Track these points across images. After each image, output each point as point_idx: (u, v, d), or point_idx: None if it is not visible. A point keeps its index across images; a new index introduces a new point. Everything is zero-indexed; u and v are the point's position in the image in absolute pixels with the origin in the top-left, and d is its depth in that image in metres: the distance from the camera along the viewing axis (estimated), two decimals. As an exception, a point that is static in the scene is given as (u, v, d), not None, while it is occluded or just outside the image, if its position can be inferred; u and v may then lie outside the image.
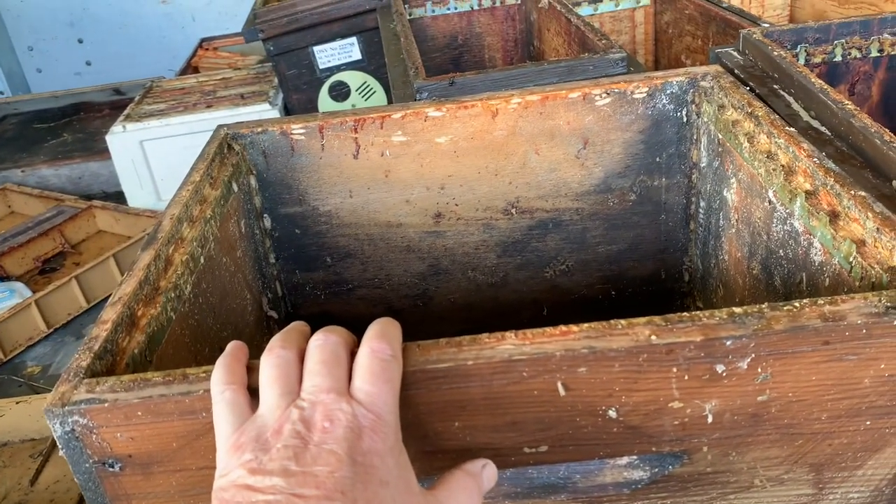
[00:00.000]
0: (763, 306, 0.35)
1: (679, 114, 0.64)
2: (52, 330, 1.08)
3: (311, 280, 0.71)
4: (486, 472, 0.36)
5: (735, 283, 0.60)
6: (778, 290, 0.52)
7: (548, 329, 0.35)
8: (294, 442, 0.32)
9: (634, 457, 0.37)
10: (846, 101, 0.53)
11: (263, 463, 0.31)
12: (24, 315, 1.06)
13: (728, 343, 0.34)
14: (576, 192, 0.68)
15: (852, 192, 0.43)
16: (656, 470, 0.37)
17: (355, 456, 0.32)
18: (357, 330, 0.38)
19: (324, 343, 0.35)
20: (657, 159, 0.66)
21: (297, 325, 0.38)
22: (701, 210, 0.66)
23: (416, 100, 0.74)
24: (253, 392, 0.36)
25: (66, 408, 0.35)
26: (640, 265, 0.72)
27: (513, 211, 0.69)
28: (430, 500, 0.34)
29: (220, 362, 0.35)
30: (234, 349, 0.36)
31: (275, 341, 0.36)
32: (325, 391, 0.34)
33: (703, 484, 0.38)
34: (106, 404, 0.35)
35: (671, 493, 0.38)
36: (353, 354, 0.36)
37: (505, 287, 0.74)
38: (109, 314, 0.41)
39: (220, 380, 0.35)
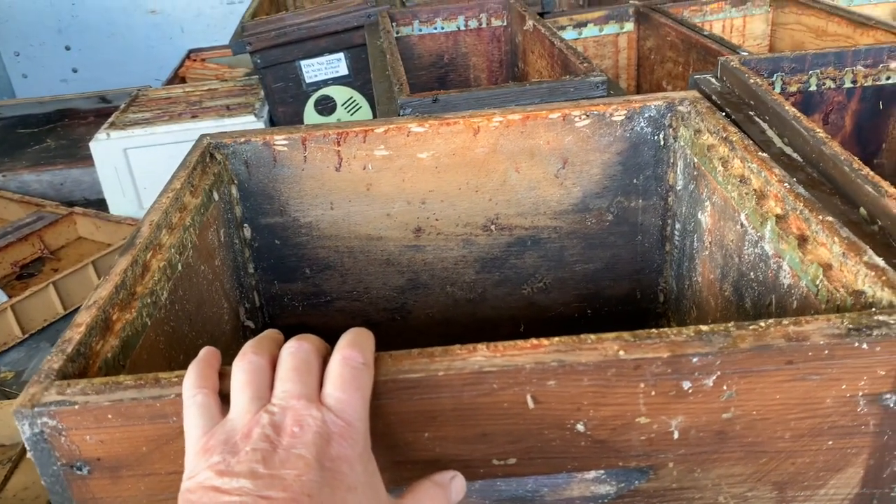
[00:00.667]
0: (730, 325, 0.36)
1: (656, 137, 0.65)
2: (27, 335, 1.07)
3: (289, 291, 0.72)
4: (454, 484, 0.37)
5: (708, 304, 0.61)
6: (748, 312, 0.53)
7: (519, 342, 0.36)
8: (263, 445, 0.32)
9: (601, 471, 0.38)
10: (818, 129, 0.55)
11: (231, 465, 0.31)
12: (0, 320, 1.05)
13: (694, 360, 0.34)
14: (554, 211, 0.69)
15: (820, 217, 0.44)
16: (623, 485, 0.38)
17: (323, 461, 0.32)
18: (334, 343, 0.38)
19: (296, 350, 0.36)
20: (634, 181, 0.67)
21: (270, 333, 0.39)
22: (676, 232, 0.67)
23: (399, 115, 0.75)
24: (224, 398, 0.36)
25: (36, 409, 0.35)
26: (617, 285, 0.72)
27: (492, 227, 0.70)
28: None
29: (193, 367, 0.36)
30: (206, 354, 0.37)
31: (247, 347, 0.36)
32: (296, 397, 0.34)
33: (668, 500, 0.39)
34: (76, 406, 0.35)
35: (637, 508, 0.39)
36: (325, 362, 0.36)
37: (483, 303, 0.74)
38: (84, 317, 0.42)
39: (192, 384, 0.35)
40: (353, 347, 0.35)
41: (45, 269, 1.24)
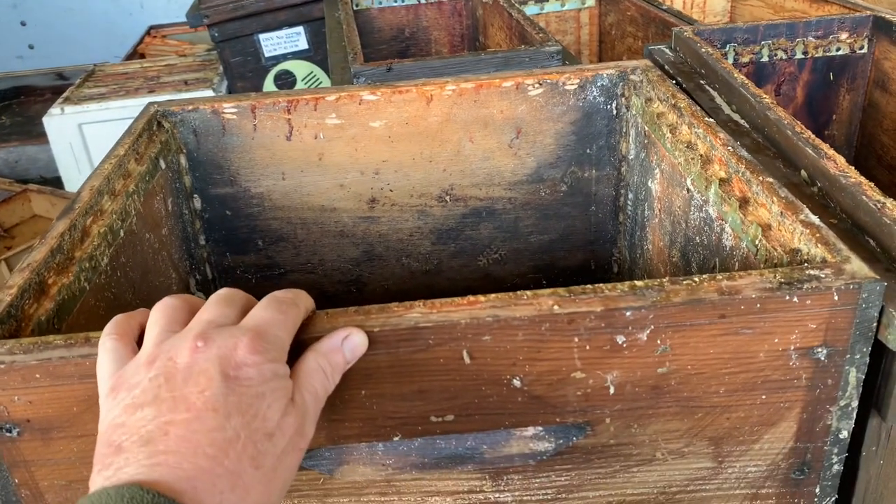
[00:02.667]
0: (664, 280, 0.36)
1: (609, 106, 0.65)
2: (-22, 314, 1.05)
3: (242, 263, 0.71)
4: (348, 344, 0.34)
5: (658, 272, 0.62)
6: (694, 277, 0.53)
7: (456, 299, 0.36)
8: (165, 367, 0.31)
9: (539, 428, 0.38)
10: (764, 95, 0.55)
11: (136, 397, 0.31)
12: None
13: (628, 314, 0.35)
14: (509, 182, 0.69)
15: (761, 179, 0.45)
16: (561, 441, 0.38)
17: (227, 370, 0.31)
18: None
19: (223, 291, 0.35)
20: (587, 151, 0.67)
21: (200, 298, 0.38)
22: (629, 202, 0.67)
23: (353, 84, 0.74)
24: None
25: (-39, 369, 0.34)
26: (571, 255, 0.73)
27: (447, 198, 0.70)
28: (295, 396, 0.33)
29: (112, 319, 0.35)
30: (133, 312, 0.36)
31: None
32: (206, 322, 0.33)
33: (606, 456, 0.39)
34: (2, 366, 0.34)
35: (576, 464, 0.39)
36: None
37: (439, 275, 0.74)
38: (16, 279, 0.41)
39: (105, 332, 0.34)
40: (286, 293, 0.35)
41: (-1, 246, 1.22)
